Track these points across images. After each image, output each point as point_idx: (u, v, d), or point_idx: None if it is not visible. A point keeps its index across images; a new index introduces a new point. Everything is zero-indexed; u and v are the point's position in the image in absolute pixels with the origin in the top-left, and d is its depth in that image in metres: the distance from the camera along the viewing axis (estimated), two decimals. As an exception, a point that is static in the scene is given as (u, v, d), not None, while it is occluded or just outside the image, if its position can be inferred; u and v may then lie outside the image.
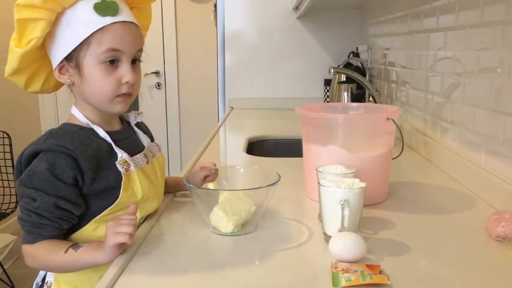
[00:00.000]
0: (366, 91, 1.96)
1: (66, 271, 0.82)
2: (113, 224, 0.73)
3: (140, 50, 0.85)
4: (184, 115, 3.87)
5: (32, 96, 3.64)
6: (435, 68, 1.34)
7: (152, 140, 0.98)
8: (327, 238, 0.78)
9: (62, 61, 0.82)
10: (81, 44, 0.80)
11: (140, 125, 0.97)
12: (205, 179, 0.98)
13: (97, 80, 0.81)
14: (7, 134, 2.74)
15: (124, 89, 0.83)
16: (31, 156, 0.80)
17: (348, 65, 2.23)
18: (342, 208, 0.76)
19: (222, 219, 0.82)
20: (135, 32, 0.84)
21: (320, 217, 0.83)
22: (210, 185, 0.99)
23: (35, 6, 0.76)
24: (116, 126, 0.91)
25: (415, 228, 0.88)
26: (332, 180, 0.81)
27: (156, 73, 3.76)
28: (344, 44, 2.48)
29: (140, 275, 0.71)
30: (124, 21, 0.82)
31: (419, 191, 1.10)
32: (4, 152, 2.73)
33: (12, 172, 2.73)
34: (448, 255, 0.76)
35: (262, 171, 0.94)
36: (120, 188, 0.82)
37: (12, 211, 2.68)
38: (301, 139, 1.07)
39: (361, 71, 2.14)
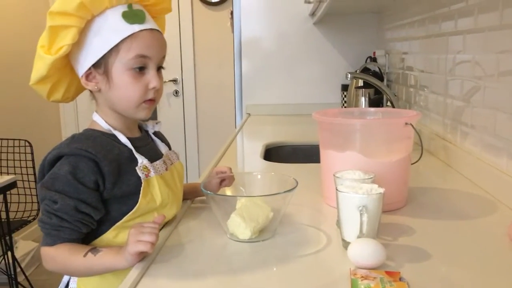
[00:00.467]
0: (384, 96, 1.94)
1: (85, 275, 0.83)
2: (135, 232, 0.74)
3: (164, 57, 0.88)
4: (201, 122, 3.89)
5: (53, 105, 3.71)
6: (454, 72, 1.33)
7: (169, 148, 0.99)
8: (346, 244, 0.78)
9: (89, 68, 0.84)
10: (110, 51, 0.82)
11: (158, 134, 0.98)
12: (222, 183, 0.98)
13: (125, 86, 0.83)
14: (29, 142, 2.79)
15: (150, 95, 0.85)
16: (54, 160, 0.81)
17: (365, 70, 2.21)
18: (361, 214, 0.75)
19: (239, 225, 0.82)
20: (161, 39, 0.87)
21: (338, 223, 0.82)
22: (228, 191, 0.99)
23: (68, 13, 0.78)
24: (136, 133, 0.93)
25: (436, 234, 0.86)
26: (350, 185, 0.81)
27: (174, 80, 3.79)
28: (361, 49, 2.47)
29: (160, 280, 0.71)
30: (151, 29, 0.84)
31: (439, 196, 1.09)
32: (26, 160, 2.79)
33: (34, 180, 2.78)
34: (470, 261, 0.75)
35: (279, 177, 0.94)
36: (139, 194, 0.83)
37: (34, 219, 2.73)
38: (318, 145, 1.07)
39: (379, 76, 2.13)
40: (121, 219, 0.83)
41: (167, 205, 0.89)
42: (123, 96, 0.84)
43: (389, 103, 1.83)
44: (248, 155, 1.72)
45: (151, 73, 0.85)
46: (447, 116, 1.40)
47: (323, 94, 2.54)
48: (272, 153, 1.76)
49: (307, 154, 1.78)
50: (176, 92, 3.83)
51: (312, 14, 2.37)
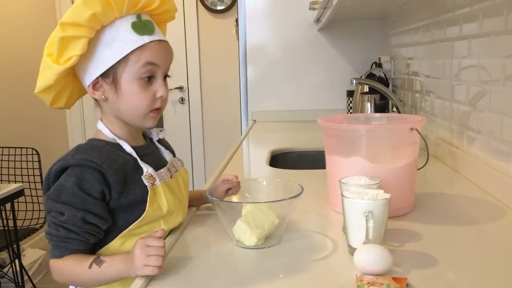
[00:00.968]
0: (390, 101, 1.94)
1: (93, 286, 0.83)
2: (141, 254, 0.72)
3: (170, 64, 0.88)
4: (207, 129, 3.90)
5: (59, 114, 3.74)
6: (460, 77, 1.32)
7: (174, 155, 0.99)
8: (352, 250, 0.77)
9: (97, 78, 0.84)
10: (119, 61, 0.82)
11: (162, 141, 0.99)
12: (228, 192, 0.98)
13: (134, 95, 0.84)
14: (36, 151, 2.81)
15: (157, 104, 0.86)
16: (60, 171, 0.81)
17: (370, 76, 2.21)
18: (367, 220, 0.75)
19: (245, 232, 0.82)
20: (169, 48, 0.88)
21: (344, 229, 0.82)
22: (233, 198, 0.99)
23: (80, 24, 0.78)
24: (141, 141, 0.93)
25: (443, 240, 0.86)
26: (356, 191, 0.81)
27: (180, 88, 3.81)
28: (366, 55, 2.47)
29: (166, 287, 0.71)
30: (160, 40, 0.85)
31: (446, 202, 1.08)
32: (33, 168, 2.80)
33: (41, 188, 2.80)
34: (477, 267, 0.74)
35: (285, 184, 0.94)
36: (145, 202, 0.83)
37: (41, 227, 2.74)
38: (324, 151, 1.07)
39: (384, 81, 2.13)
40: (127, 227, 0.84)
41: (173, 212, 0.89)
42: (131, 105, 0.85)
43: (394, 109, 1.83)
44: (254, 162, 1.72)
45: (158, 82, 0.85)
46: (453, 121, 1.39)
47: (329, 100, 2.53)
48: (278, 160, 1.76)
49: (313, 160, 1.78)
50: (182, 99, 3.84)
51: (317, 20, 2.37)
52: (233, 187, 0.98)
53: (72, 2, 3.68)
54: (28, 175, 2.80)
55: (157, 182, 0.86)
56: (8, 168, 2.86)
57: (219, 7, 3.70)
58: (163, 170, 0.90)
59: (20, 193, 2.36)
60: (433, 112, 1.58)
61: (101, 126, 0.88)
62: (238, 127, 2.81)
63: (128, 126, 0.89)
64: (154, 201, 0.84)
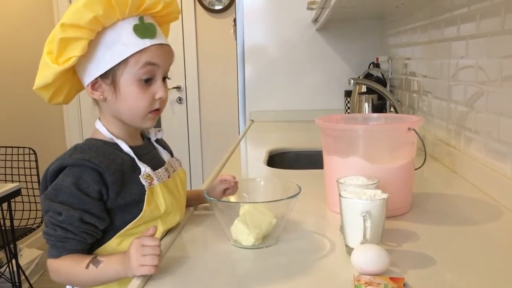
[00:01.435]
0: (387, 101, 1.94)
1: (90, 286, 0.82)
2: (137, 254, 0.72)
3: (169, 65, 0.88)
4: (205, 129, 3.90)
5: (57, 113, 3.73)
6: (458, 77, 1.32)
7: (171, 155, 0.99)
8: (349, 250, 0.77)
9: (96, 78, 0.84)
10: (119, 63, 0.82)
11: (160, 141, 0.98)
12: (225, 192, 0.98)
13: (133, 97, 0.83)
14: (33, 150, 2.80)
15: (156, 105, 0.86)
16: (57, 171, 0.81)
17: (368, 76, 2.21)
18: (364, 220, 0.75)
19: (243, 232, 0.82)
20: (170, 50, 0.88)
21: (341, 229, 0.82)
22: (231, 198, 0.99)
23: (81, 26, 0.78)
24: (139, 141, 0.93)
25: (440, 240, 0.86)
26: (353, 191, 0.81)
27: (178, 88, 3.81)
28: (364, 55, 2.47)
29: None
30: (161, 44, 0.85)
31: (443, 202, 1.08)
32: (30, 168, 2.80)
33: (38, 187, 2.78)
34: (475, 267, 0.74)
35: (283, 184, 0.94)
36: (143, 202, 0.83)
37: (38, 226, 2.73)
38: (321, 151, 1.07)
39: (382, 81, 2.13)
40: (124, 227, 0.83)
41: (171, 212, 0.88)
42: (130, 106, 0.84)
43: (392, 109, 1.83)
44: (251, 162, 1.72)
45: (158, 83, 0.85)
46: (450, 122, 1.40)
47: (326, 100, 2.54)
48: (276, 160, 1.76)
49: (311, 160, 1.78)
50: (180, 99, 3.84)
51: (315, 20, 2.37)
52: (231, 187, 0.98)
53: (70, 1, 3.67)
54: (25, 175, 2.80)
55: (155, 182, 0.86)
56: (5, 167, 2.85)
57: (217, 7, 3.69)
58: (160, 170, 0.90)
59: (17, 192, 2.36)
60: (431, 112, 1.58)
61: (99, 125, 0.88)
62: (236, 127, 2.80)
63: (127, 125, 0.88)
64: (151, 201, 0.84)
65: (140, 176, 0.84)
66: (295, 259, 0.79)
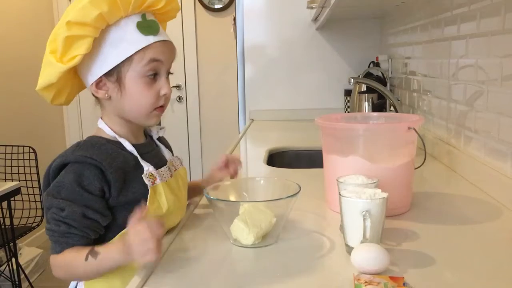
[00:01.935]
0: (387, 100, 1.94)
1: (92, 278, 0.82)
2: (138, 240, 0.70)
3: (172, 62, 0.89)
4: (205, 128, 3.90)
5: (56, 112, 3.73)
6: (457, 76, 1.32)
7: (172, 154, 0.99)
8: (349, 249, 0.77)
9: (100, 77, 0.84)
10: (123, 60, 0.82)
11: (162, 140, 0.99)
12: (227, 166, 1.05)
13: (138, 94, 0.84)
14: (33, 149, 2.80)
15: (161, 102, 0.86)
16: (59, 167, 0.81)
17: (368, 75, 2.22)
18: (364, 219, 0.75)
19: (243, 231, 0.82)
20: (172, 47, 0.88)
21: (341, 228, 0.82)
22: (231, 197, 0.99)
23: (87, 24, 0.78)
24: (141, 139, 0.93)
25: (440, 239, 0.86)
26: (353, 190, 0.81)
27: (177, 86, 3.80)
28: (364, 54, 2.47)
29: (163, 286, 0.71)
30: (164, 40, 0.85)
31: (443, 201, 1.08)
32: (30, 166, 2.80)
33: (38, 186, 2.79)
34: (474, 267, 0.74)
35: (283, 183, 0.94)
36: (145, 201, 0.83)
37: (38, 225, 2.73)
38: (321, 150, 1.07)
39: (382, 80, 2.13)
40: (127, 226, 0.83)
41: (173, 212, 0.89)
42: (136, 104, 0.85)
43: (392, 108, 1.83)
44: (251, 161, 1.72)
45: (162, 80, 0.86)
46: (450, 121, 1.40)
47: (326, 100, 2.54)
48: (275, 159, 1.76)
49: (310, 159, 1.78)
50: (180, 98, 3.84)
51: (315, 19, 2.37)
52: (231, 162, 1.03)
53: (70, 1, 3.67)
54: (25, 173, 2.80)
55: (158, 181, 0.86)
56: (5, 166, 2.85)
57: (217, 6, 3.70)
58: (163, 169, 0.90)
59: (16, 191, 2.36)
60: (431, 112, 1.58)
61: (102, 124, 0.88)
62: (236, 126, 2.80)
63: (130, 124, 0.88)
64: (154, 200, 0.84)
65: (143, 175, 0.84)
66: (295, 258, 0.79)
